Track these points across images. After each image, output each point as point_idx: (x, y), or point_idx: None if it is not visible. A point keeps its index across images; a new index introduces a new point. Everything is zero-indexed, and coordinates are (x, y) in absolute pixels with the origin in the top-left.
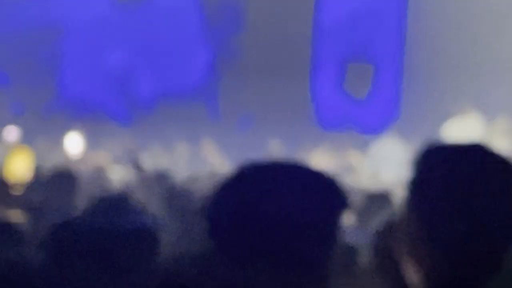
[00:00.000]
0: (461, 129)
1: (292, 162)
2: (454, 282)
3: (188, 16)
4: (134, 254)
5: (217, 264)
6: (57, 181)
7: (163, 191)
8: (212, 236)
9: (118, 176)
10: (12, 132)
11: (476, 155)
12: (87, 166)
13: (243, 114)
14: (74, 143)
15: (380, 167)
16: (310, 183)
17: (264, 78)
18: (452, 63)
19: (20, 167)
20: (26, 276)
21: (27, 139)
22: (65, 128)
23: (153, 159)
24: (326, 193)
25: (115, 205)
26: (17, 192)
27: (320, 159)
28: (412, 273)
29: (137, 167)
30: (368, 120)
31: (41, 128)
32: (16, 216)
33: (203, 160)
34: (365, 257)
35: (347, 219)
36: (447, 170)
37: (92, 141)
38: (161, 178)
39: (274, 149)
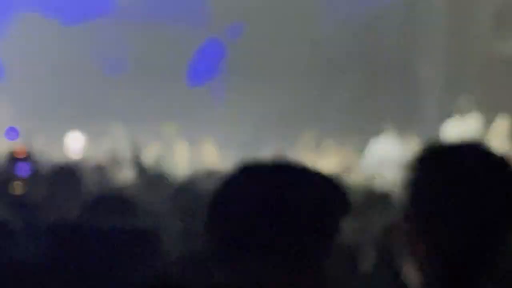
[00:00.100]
0: (460, 130)
1: (293, 162)
2: (454, 282)
3: None
4: (134, 253)
5: (217, 264)
6: (57, 180)
7: (164, 190)
8: (212, 236)
9: (120, 174)
10: (12, 132)
11: (473, 154)
12: (88, 165)
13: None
14: (75, 142)
15: (378, 167)
16: (311, 183)
17: None
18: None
19: (21, 167)
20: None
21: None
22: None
23: (154, 158)
24: (327, 193)
25: (115, 204)
26: (17, 192)
27: None
28: (411, 273)
29: (139, 165)
30: None
31: (42, 128)
32: (17, 215)
33: (202, 158)
34: (365, 258)
35: (348, 220)
36: (444, 169)
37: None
38: (162, 176)
39: None
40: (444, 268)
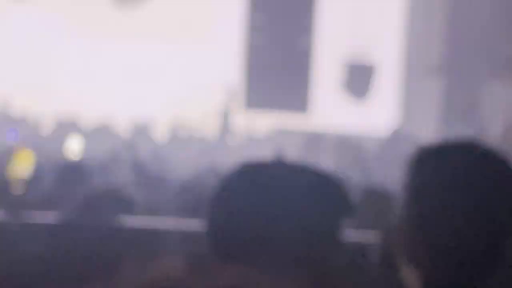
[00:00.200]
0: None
1: (293, 162)
2: (453, 285)
3: None
4: (133, 252)
5: (216, 264)
6: (58, 179)
7: (165, 189)
8: (211, 236)
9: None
10: (13, 133)
11: (469, 154)
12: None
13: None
14: (75, 143)
15: (381, 167)
16: (311, 183)
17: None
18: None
19: (21, 167)
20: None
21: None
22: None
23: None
24: (328, 193)
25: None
26: (18, 192)
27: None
28: (410, 275)
29: (138, 165)
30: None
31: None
32: (17, 215)
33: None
34: (366, 258)
35: (350, 221)
36: (441, 170)
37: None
38: (164, 176)
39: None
40: (442, 271)
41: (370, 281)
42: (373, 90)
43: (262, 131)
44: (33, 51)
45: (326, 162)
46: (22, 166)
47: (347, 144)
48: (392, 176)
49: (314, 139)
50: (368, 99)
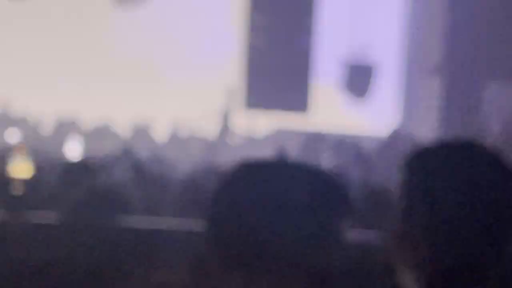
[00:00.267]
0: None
1: (294, 162)
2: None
3: None
4: (132, 252)
5: (215, 265)
6: (58, 180)
7: (165, 189)
8: (211, 235)
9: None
10: (13, 134)
11: (467, 153)
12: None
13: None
14: (74, 143)
15: (381, 167)
16: (313, 183)
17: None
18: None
19: (21, 168)
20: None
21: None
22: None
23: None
24: (327, 192)
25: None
26: (18, 192)
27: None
28: (408, 277)
29: (138, 167)
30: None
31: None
32: (17, 215)
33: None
34: (364, 258)
35: (349, 219)
36: (438, 170)
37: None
38: (164, 176)
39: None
40: (440, 272)
41: (370, 282)
42: (373, 90)
43: (262, 131)
44: (33, 51)
45: (326, 162)
46: (22, 166)
47: (347, 144)
48: (392, 176)
49: (314, 139)
50: (368, 99)
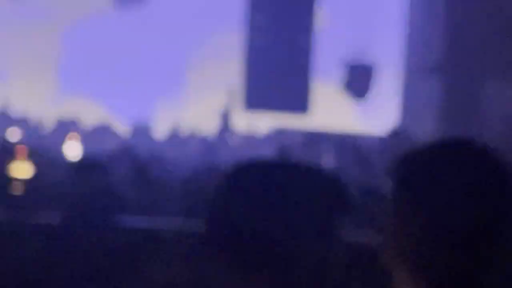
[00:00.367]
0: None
1: (294, 161)
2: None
3: None
4: (132, 251)
5: (215, 265)
6: (58, 179)
7: (165, 189)
8: (211, 235)
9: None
10: (14, 133)
11: (461, 153)
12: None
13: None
14: (74, 143)
15: (381, 167)
16: (313, 183)
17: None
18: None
19: (21, 168)
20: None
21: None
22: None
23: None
24: (329, 193)
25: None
26: (18, 192)
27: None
28: (403, 278)
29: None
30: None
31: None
32: (17, 215)
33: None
34: (363, 258)
35: (349, 220)
36: (434, 169)
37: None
38: (163, 176)
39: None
40: (435, 273)
41: (370, 281)
42: (373, 90)
43: (262, 131)
44: (33, 51)
45: (326, 161)
46: (22, 166)
47: (347, 144)
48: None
49: (314, 139)
50: (368, 99)
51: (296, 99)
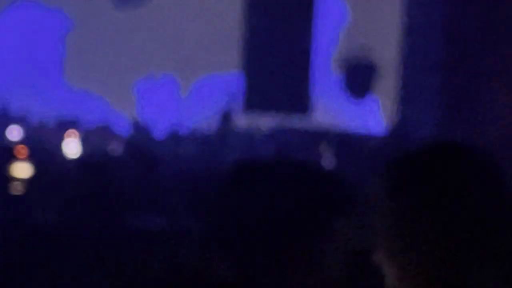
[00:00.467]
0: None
1: (294, 161)
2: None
3: None
4: (132, 251)
5: (214, 264)
6: (58, 178)
7: (165, 188)
8: (211, 235)
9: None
10: (14, 132)
11: (459, 155)
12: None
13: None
14: (72, 143)
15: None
16: (313, 183)
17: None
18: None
19: (21, 168)
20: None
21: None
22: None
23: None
24: (329, 193)
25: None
26: (18, 192)
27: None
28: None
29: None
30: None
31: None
32: (18, 215)
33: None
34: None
35: (348, 218)
36: (430, 171)
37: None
38: (164, 175)
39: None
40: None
41: (369, 281)
42: (373, 89)
43: (262, 131)
44: (33, 50)
45: (326, 161)
46: (22, 166)
47: (347, 144)
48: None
49: (314, 139)
50: (368, 98)
51: (296, 99)
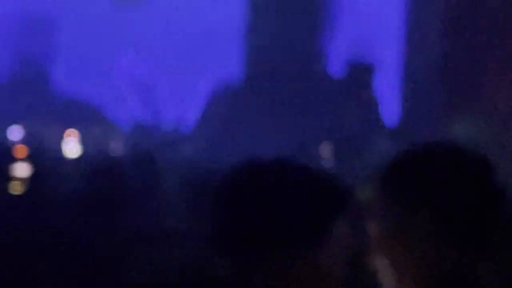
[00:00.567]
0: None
1: (294, 161)
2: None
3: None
4: (132, 251)
5: (214, 263)
6: (57, 179)
7: (165, 188)
8: (213, 234)
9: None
10: (14, 132)
11: (448, 154)
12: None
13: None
14: (71, 142)
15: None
16: (313, 182)
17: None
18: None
19: (22, 167)
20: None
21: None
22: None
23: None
24: (329, 193)
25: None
26: (18, 192)
27: None
28: (387, 275)
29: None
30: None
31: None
32: (18, 215)
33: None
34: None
35: (347, 219)
36: (419, 170)
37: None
38: (164, 174)
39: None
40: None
41: (369, 281)
42: (373, 89)
43: (262, 131)
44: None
45: (326, 161)
46: (23, 165)
47: (346, 144)
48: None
49: (314, 139)
50: (368, 98)
51: (296, 99)
